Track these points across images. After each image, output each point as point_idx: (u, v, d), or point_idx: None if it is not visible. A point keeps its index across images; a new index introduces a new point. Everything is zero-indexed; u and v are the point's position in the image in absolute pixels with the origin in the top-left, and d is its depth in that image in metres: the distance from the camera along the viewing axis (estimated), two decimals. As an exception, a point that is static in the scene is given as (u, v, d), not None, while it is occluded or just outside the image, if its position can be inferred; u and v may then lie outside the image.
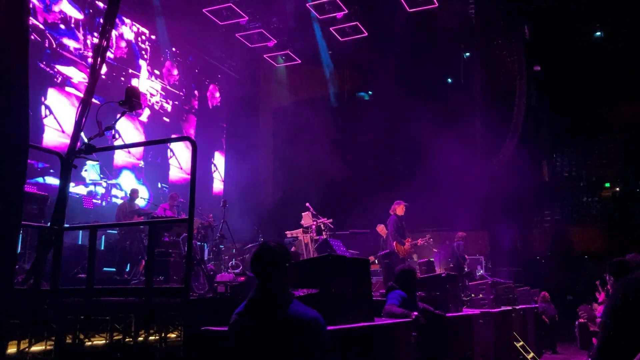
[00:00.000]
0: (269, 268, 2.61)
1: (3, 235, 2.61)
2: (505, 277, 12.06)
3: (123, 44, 13.87)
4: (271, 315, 2.51)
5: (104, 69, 9.69)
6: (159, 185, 14.58)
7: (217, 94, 17.86)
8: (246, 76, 18.08)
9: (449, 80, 19.06)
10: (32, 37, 11.00)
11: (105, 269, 9.44)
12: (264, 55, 17.16)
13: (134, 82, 13.85)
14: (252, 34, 15.86)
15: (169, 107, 15.41)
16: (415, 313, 4.76)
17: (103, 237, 9.99)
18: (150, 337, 4.40)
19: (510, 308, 8.81)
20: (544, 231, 17.73)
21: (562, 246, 17.02)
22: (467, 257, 11.75)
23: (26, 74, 2.98)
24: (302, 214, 10.51)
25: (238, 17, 14.92)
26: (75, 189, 11.23)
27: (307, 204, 10.53)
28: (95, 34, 12.46)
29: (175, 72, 15.88)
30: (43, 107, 11.23)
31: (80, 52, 12.41)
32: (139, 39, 14.53)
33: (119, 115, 4.97)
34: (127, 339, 4.33)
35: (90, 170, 11.81)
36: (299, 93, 19.05)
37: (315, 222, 10.25)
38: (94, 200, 11.91)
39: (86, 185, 11.77)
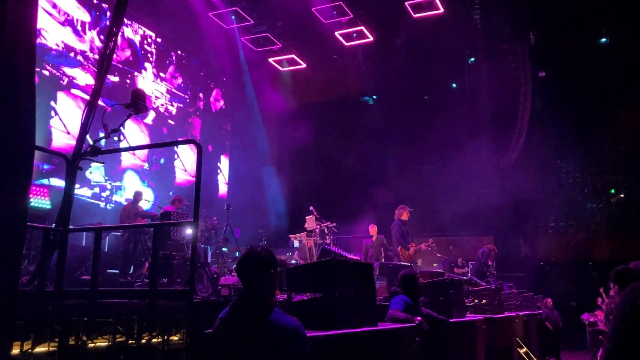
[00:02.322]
0: (255, 274, 2.55)
1: (8, 236, 2.62)
2: (509, 283, 11.99)
3: (128, 49, 13.94)
4: (252, 323, 2.47)
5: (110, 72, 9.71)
6: (170, 193, 14.61)
7: (222, 98, 17.91)
8: (251, 79, 18.14)
9: (454, 85, 19.07)
10: (39, 39, 11.06)
11: (109, 270, 9.46)
12: (269, 59, 17.21)
13: (140, 84, 13.91)
14: (258, 38, 15.92)
15: (174, 110, 15.46)
16: (419, 318, 4.74)
17: (107, 238, 10.00)
18: (153, 340, 4.40)
19: (513, 314, 8.76)
20: (548, 237, 17.65)
21: (567, 253, 16.94)
22: (490, 262, 11.51)
23: (33, 76, 3.00)
24: (306, 217, 10.48)
25: (244, 21, 14.99)
26: (79, 190, 11.27)
27: (311, 208, 10.51)
28: (102, 36, 12.53)
29: (180, 76, 15.93)
30: (49, 109, 11.28)
31: (87, 54, 12.48)
32: (145, 41, 14.59)
33: (124, 118, 4.99)
34: (130, 341, 4.34)
35: (95, 172, 11.85)
36: (303, 97, 19.10)
37: (319, 226, 10.21)
38: (98, 202, 11.95)
39: (91, 187, 11.81)
